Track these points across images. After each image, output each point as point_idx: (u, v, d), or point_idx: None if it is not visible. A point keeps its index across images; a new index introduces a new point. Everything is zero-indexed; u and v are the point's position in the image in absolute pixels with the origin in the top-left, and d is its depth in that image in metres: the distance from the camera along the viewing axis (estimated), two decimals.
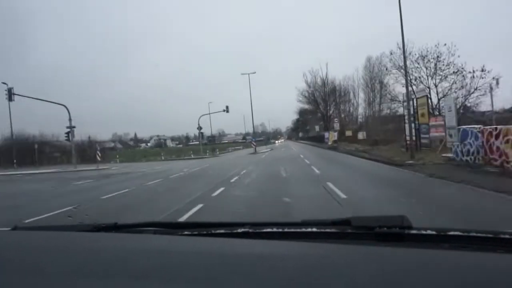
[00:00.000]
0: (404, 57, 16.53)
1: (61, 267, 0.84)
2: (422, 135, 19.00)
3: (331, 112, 55.81)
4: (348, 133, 37.18)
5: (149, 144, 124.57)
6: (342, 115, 56.80)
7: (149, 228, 1.30)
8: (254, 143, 43.36)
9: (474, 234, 1.03)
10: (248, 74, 43.30)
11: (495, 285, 0.68)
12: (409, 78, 25.51)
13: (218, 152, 50.36)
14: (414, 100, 19.15)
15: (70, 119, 27.11)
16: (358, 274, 0.73)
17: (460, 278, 0.71)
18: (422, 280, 0.70)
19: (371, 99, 55.05)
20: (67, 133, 27.53)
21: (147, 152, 67.23)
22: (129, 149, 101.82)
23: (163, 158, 43.75)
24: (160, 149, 62.87)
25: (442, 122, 16.99)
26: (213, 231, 1.21)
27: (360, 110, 58.77)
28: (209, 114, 48.40)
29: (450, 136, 15.44)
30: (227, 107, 41.40)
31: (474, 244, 1.01)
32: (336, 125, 38.88)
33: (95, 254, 0.95)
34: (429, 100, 21.66)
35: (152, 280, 0.73)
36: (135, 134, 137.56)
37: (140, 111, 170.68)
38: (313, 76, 55.03)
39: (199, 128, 41.68)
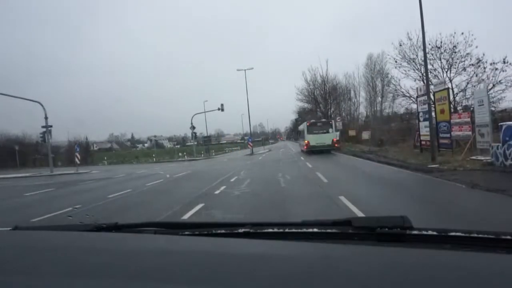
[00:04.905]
0: (424, 42, 13.97)
1: (61, 267, 0.84)
2: (441, 135, 16.43)
3: (331, 111, 53.42)
4: (352, 132, 34.63)
5: (146, 145, 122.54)
6: (343, 114, 54.38)
7: (149, 228, 1.28)
8: (251, 144, 40.75)
9: (475, 234, 1.01)
10: (244, 70, 40.71)
11: (496, 285, 0.67)
12: (422, 71, 23.10)
13: (214, 153, 47.89)
14: (431, 94, 16.64)
15: (46, 118, 24.26)
16: (359, 275, 0.72)
17: (461, 278, 0.70)
18: (423, 280, 0.69)
19: (373, 98, 53.02)
20: (43, 133, 24.76)
21: (140, 153, 65.59)
22: (126, 150, 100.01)
23: (154, 160, 41.25)
24: (156, 150, 61.27)
25: (468, 119, 14.46)
26: (213, 231, 1.20)
27: (361, 109, 56.65)
28: (204, 112, 45.66)
29: (482, 135, 12.92)
30: (222, 105, 38.70)
31: (475, 244, 0.99)
32: (339, 124, 36.26)
33: (96, 254, 0.94)
34: (451, 94, 19.08)
35: (152, 280, 0.72)
36: (132, 135, 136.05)
37: (137, 111, 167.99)
38: (313, 74, 52.63)
39: (192, 127, 38.96)
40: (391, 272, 0.74)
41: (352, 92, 56.26)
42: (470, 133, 14.05)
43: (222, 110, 38.60)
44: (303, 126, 29.28)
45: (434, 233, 1.04)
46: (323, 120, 29.41)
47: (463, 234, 1.02)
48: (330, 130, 26.52)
